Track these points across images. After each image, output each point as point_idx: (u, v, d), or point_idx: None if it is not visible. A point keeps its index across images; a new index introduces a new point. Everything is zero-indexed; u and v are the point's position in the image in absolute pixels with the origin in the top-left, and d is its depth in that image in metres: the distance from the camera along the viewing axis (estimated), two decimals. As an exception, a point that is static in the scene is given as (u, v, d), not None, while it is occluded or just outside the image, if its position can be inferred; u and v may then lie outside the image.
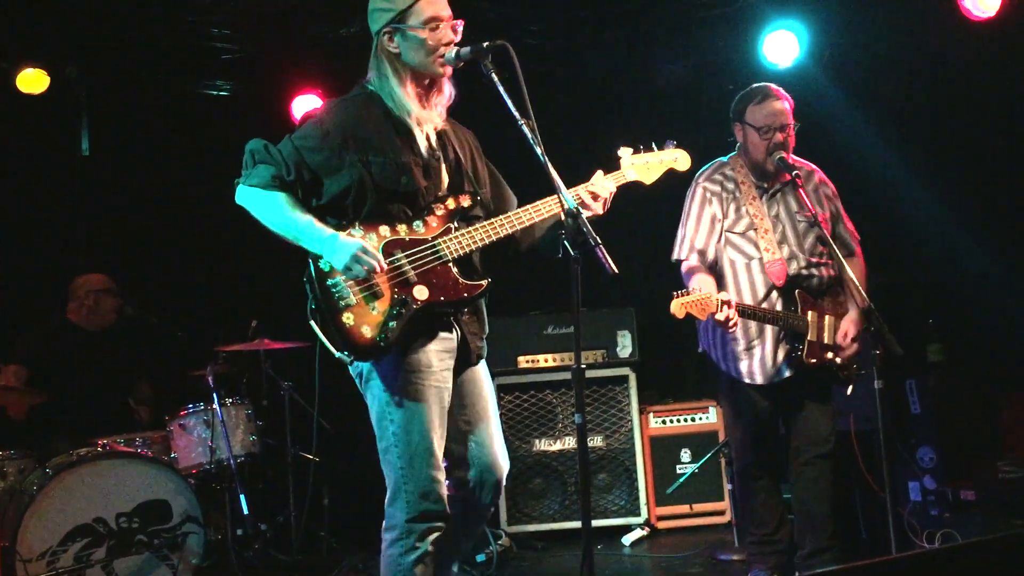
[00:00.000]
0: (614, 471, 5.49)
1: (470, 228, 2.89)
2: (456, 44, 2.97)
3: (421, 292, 2.81)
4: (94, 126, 5.78)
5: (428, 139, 2.93)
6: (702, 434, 5.46)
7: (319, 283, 2.78)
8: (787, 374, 3.80)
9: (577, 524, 5.35)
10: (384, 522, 2.92)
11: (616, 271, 2.69)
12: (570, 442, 5.50)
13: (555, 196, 2.79)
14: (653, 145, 3.11)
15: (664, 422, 5.54)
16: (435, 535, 2.87)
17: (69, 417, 4.93)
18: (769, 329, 3.80)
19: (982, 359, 5.28)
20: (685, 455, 5.49)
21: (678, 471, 5.47)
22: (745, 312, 3.69)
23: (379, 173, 2.83)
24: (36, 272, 5.60)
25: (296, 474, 5.09)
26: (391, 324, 2.77)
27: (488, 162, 3.16)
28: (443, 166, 2.96)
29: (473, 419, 3.00)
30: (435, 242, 2.86)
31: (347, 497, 5.41)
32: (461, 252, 2.87)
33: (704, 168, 3.96)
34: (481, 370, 3.08)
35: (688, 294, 3.56)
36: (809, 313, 3.76)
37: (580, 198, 2.95)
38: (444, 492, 2.89)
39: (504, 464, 3.07)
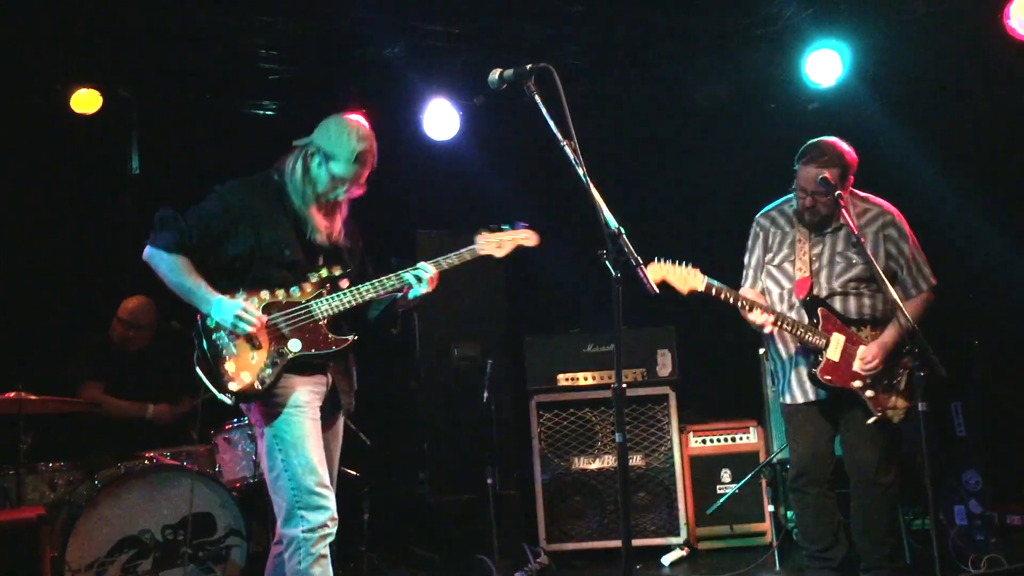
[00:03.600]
0: (653, 490, 5.47)
1: (339, 293, 3.37)
2: (499, 67, 3.10)
3: (295, 344, 3.31)
4: (144, 145, 5.90)
5: (311, 224, 3.39)
6: (743, 454, 5.42)
7: (206, 336, 3.28)
8: (813, 395, 3.98)
9: (616, 543, 5.33)
10: (278, 542, 3.33)
11: (656, 291, 2.79)
12: (609, 460, 5.50)
13: (396, 273, 3.40)
14: (507, 226, 3.59)
15: (704, 441, 5.51)
16: (328, 540, 3.29)
17: (116, 431, 5.03)
18: (798, 348, 3.99)
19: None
20: (725, 475, 5.45)
21: (718, 491, 5.43)
22: (771, 313, 3.91)
23: (267, 245, 3.32)
24: (87, 288, 5.72)
25: (336, 489, 5.12)
26: (268, 371, 3.27)
27: (359, 241, 3.63)
28: (323, 247, 3.43)
29: None
30: (308, 303, 3.35)
31: (387, 512, 5.45)
32: (331, 312, 3.35)
33: (772, 203, 4.20)
34: (338, 427, 3.56)
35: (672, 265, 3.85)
36: (834, 334, 3.89)
37: (407, 285, 3.43)
38: (332, 504, 3.31)
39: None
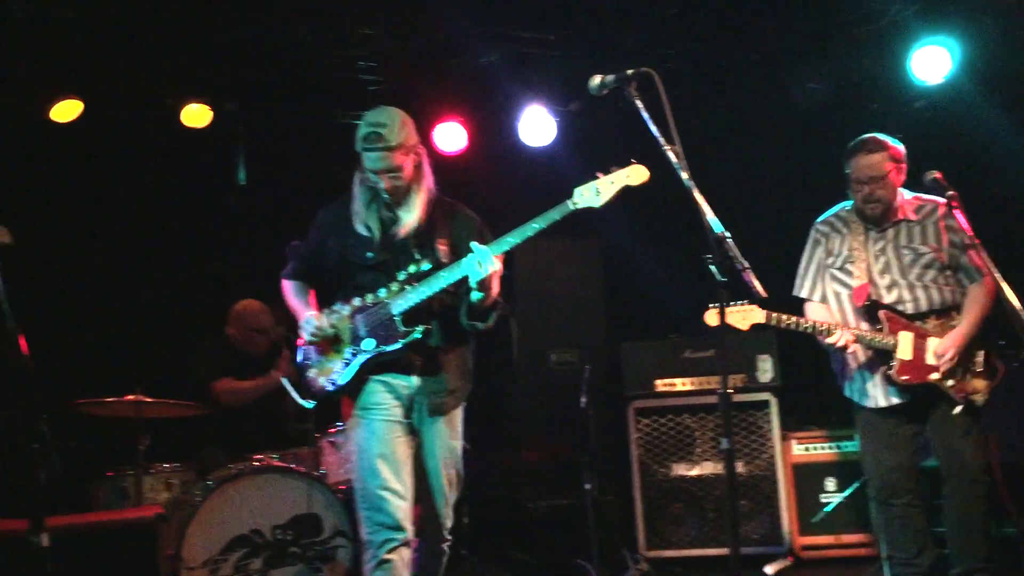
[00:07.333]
0: (755, 498, 5.37)
1: (416, 286, 3.38)
2: (600, 72, 3.10)
3: (368, 344, 3.41)
4: (250, 156, 6.09)
5: (388, 225, 3.47)
6: (848, 463, 5.28)
7: (300, 350, 3.55)
8: (896, 399, 4.00)
9: (717, 551, 5.27)
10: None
11: (765, 294, 2.74)
12: (709, 467, 5.43)
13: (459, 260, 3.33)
14: (612, 168, 3.31)
15: (807, 449, 5.40)
16: (392, 546, 3.29)
17: (227, 433, 5.19)
18: (872, 353, 4.03)
19: None
20: (830, 484, 5.33)
21: (822, 500, 5.31)
22: (847, 329, 3.95)
23: (351, 252, 3.49)
24: (198, 294, 5.93)
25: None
26: (342, 373, 3.43)
27: (483, 234, 3.50)
28: (412, 241, 3.46)
29: (421, 480, 3.47)
30: (388, 301, 3.41)
31: (487, 515, 5.49)
32: (407, 306, 3.37)
33: (829, 211, 4.29)
34: (438, 426, 3.49)
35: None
36: (900, 333, 3.94)
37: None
38: (398, 510, 3.31)
39: (441, 521, 3.51)
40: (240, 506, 4.34)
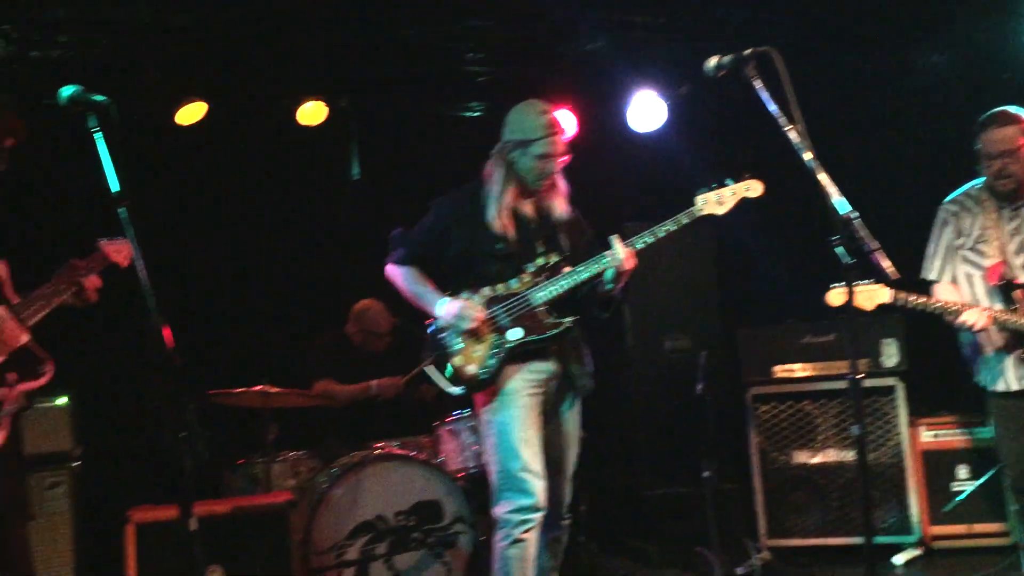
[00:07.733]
0: (882, 486, 5.18)
1: (556, 279, 3.50)
2: (718, 53, 3.07)
3: (515, 333, 3.49)
4: (363, 151, 6.22)
5: (519, 218, 3.57)
6: (981, 449, 5.06)
7: (435, 337, 3.59)
8: None
9: (841, 540, 5.13)
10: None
11: (898, 275, 2.68)
12: (832, 455, 5.29)
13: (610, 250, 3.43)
14: (728, 181, 3.52)
15: (937, 435, 5.20)
16: (529, 526, 3.40)
17: (349, 422, 5.34)
18: (1006, 335, 3.89)
19: None
20: (962, 471, 5.12)
21: (954, 488, 5.11)
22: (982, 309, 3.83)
23: (479, 242, 3.54)
24: (318, 286, 6.10)
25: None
26: (491, 361, 3.50)
27: (587, 228, 3.74)
28: (540, 234, 3.58)
29: (551, 460, 3.58)
30: (526, 293, 3.51)
31: (605, 503, 5.49)
32: (548, 298, 3.49)
33: (957, 191, 4.14)
34: (575, 408, 3.68)
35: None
36: None
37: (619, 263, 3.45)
38: (538, 491, 3.41)
39: (565, 499, 3.69)
40: (364, 493, 4.46)
